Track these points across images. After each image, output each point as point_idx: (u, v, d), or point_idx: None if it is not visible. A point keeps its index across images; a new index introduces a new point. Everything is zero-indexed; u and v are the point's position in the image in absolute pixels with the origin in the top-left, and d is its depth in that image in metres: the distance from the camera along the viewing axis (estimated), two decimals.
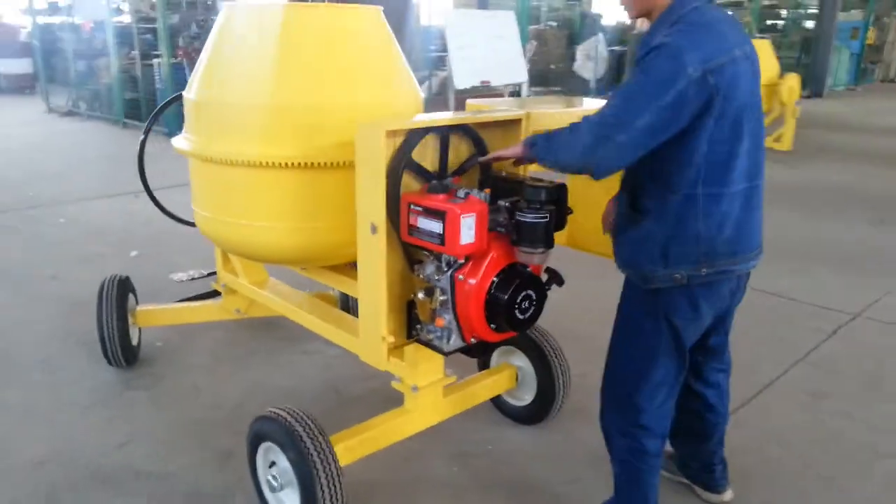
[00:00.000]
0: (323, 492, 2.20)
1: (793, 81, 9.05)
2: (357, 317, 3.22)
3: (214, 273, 3.57)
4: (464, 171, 2.43)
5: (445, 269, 2.23)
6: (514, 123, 2.50)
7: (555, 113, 2.69)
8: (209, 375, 3.48)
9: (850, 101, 16.10)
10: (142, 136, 3.39)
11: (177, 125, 9.66)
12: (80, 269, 4.84)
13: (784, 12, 19.39)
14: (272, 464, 2.41)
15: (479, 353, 2.43)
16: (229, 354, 3.70)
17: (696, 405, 2.42)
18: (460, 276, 2.20)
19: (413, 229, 2.20)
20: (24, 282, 4.64)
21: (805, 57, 17.70)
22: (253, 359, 3.66)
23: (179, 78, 9.38)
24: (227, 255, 3.42)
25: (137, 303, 3.63)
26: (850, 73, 19.33)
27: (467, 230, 2.10)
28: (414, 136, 2.22)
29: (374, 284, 2.26)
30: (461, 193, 2.16)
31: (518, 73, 9.50)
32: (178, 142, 2.75)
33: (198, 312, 3.67)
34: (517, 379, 3.04)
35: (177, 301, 3.85)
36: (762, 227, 2.13)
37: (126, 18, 11.69)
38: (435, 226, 2.12)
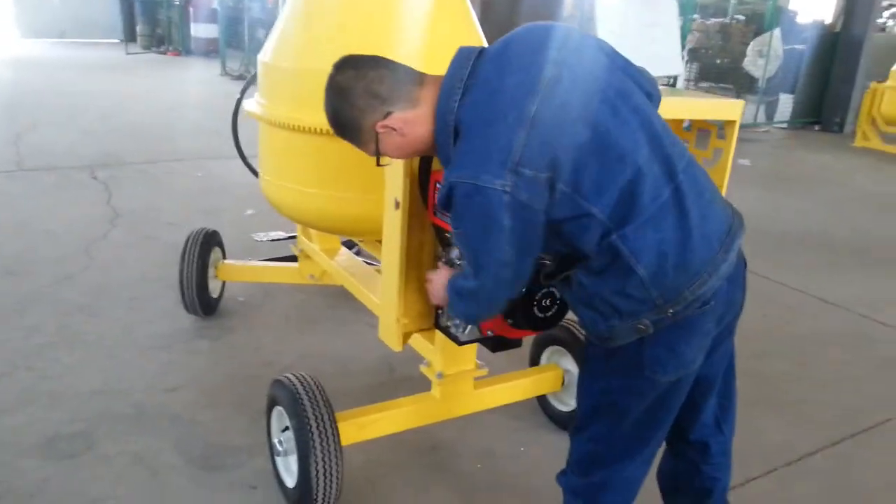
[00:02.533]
0: (317, 465, 2.16)
1: None
2: None
3: (295, 237, 3.65)
4: None
5: None
6: None
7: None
8: (274, 335, 3.57)
9: None
10: (238, 97, 3.49)
11: None
12: (197, 220, 5.10)
13: None
14: (286, 428, 2.41)
15: (499, 348, 2.28)
16: (301, 317, 3.78)
17: (690, 454, 1.95)
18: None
19: (437, 209, 2.09)
20: (142, 224, 5.01)
21: None
22: (320, 325, 3.71)
23: None
24: None
25: (225, 257, 3.78)
26: None
27: None
28: None
29: (392, 262, 2.19)
30: None
31: (673, 64, 8.98)
32: (250, 104, 2.80)
33: (276, 273, 3.77)
34: (563, 382, 2.85)
35: (261, 260, 3.98)
36: (719, 207, 1.65)
37: None
38: None
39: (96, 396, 2.92)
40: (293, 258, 4.06)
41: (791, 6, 16.43)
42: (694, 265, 1.56)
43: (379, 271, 3.42)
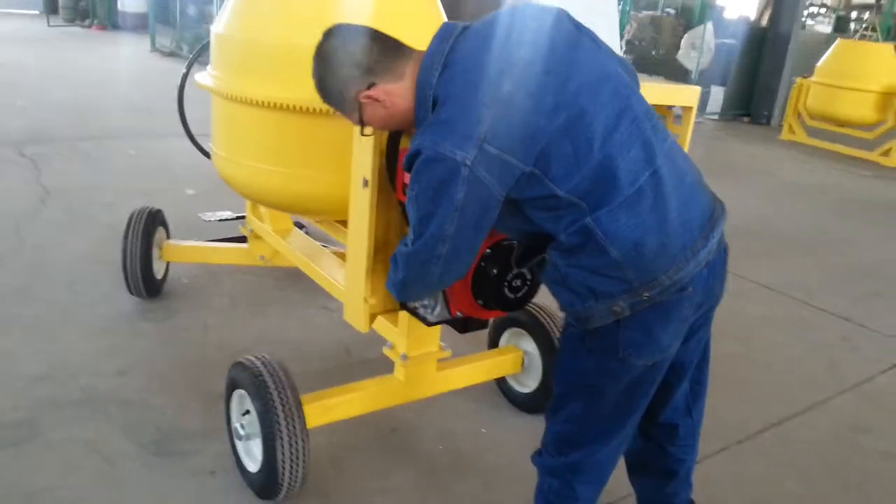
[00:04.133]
0: (283, 449, 2.12)
1: None
2: None
3: (244, 217, 3.55)
4: None
5: None
6: None
7: None
8: (222, 318, 3.47)
9: None
10: (184, 70, 3.37)
11: None
12: (136, 200, 4.91)
13: None
14: (246, 412, 2.35)
15: (467, 328, 2.27)
16: (249, 300, 3.69)
17: (658, 435, 1.98)
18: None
19: (406, 188, 2.06)
20: (80, 205, 4.77)
21: None
22: (271, 307, 3.63)
23: None
24: None
25: (169, 237, 3.64)
26: None
27: None
28: None
29: (360, 242, 2.15)
30: None
31: None
32: (202, 77, 2.70)
33: (223, 254, 3.66)
34: (523, 364, 2.87)
35: (208, 241, 3.86)
36: (700, 193, 1.67)
37: None
38: None
39: (39, 382, 2.78)
40: (241, 239, 3.96)
41: (719, 1, 16.97)
42: (671, 250, 1.56)
43: (336, 253, 3.39)
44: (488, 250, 2.04)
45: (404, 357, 2.44)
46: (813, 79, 9.92)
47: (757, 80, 12.25)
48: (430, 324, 2.19)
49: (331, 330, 3.47)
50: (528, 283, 2.11)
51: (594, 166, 1.53)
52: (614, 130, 1.54)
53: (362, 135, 1.84)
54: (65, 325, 3.23)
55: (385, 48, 1.68)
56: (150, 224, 3.41)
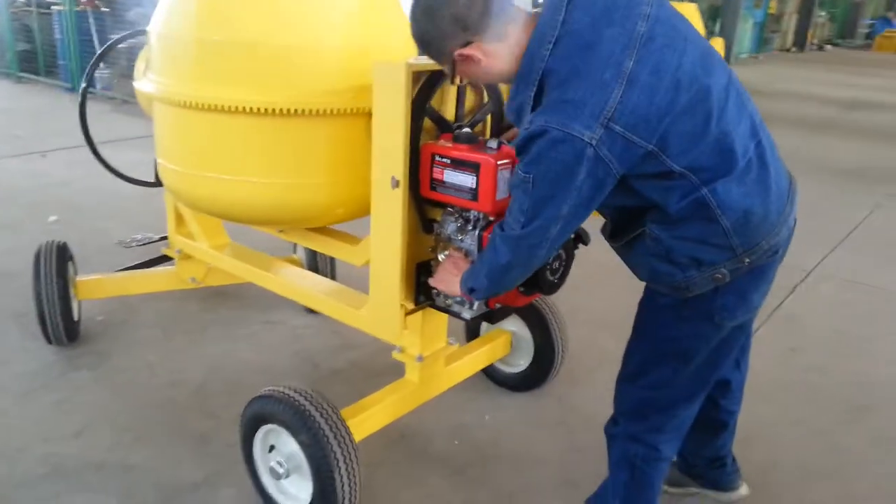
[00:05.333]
0: (341, 475, 1.97)
1: (718, 46, 9.21)
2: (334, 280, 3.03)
3: (166, 237, 3.21)
4: (479, 122, 2.21)
5: (471, 227, 2.01)
6: None
7: None
8: (162, 351, 3.13)
9: (755, 69, 16.69)
10: (83, 84, 2.96)
11: (79, 79, 8.72)
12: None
13: None
14: (271, 448, 2.15)
15: (496, 318, 2.25)
16: (181, 327, 3.36)
17: (714, 391, 2.03)
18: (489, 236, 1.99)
19: (437, 184, 1.97)
20: None
21: (712, 24, 18.19)
22: (209, 332, 3.33)
23: (83, 29, 8.55)
24: (180, 217, 3.06)
25: (76, 273, 3.21)
26: (752, 42, 20.04)
27: (503, 184, 1.89)
28: (435, 79, 1.98)
29: (390, 247, 2.03)
30: (493, 143, 1.94)
31: None
32: (143, 84, 2.39)
33: (147, 282, 3.30)
34: (511, 344, 2.87)
35: (120, 269, 3.45)
36: (781, 161, 1.73)
37: None
38: (466, 179, 1.90)
39: None
40: (154, 262, 3.60)
41: None
42: (771, 216, 1.64)
43: (286, 260, 3.18)
44: None
45: (420, 358, 2.36)
46: None
47: None
48: (468, 320, 2.14)
49: (284, 344, 3.26)
50: (564, 263, 2.11)
51: (711, 142, 1.54)
52: (725, 104, 1.57)
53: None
54: None
55: (489, 6, 1.58)
56: (61, 261, 2.98)
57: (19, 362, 2.96)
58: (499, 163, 1.86)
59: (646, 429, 1.91)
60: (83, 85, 2.96)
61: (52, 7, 9.17)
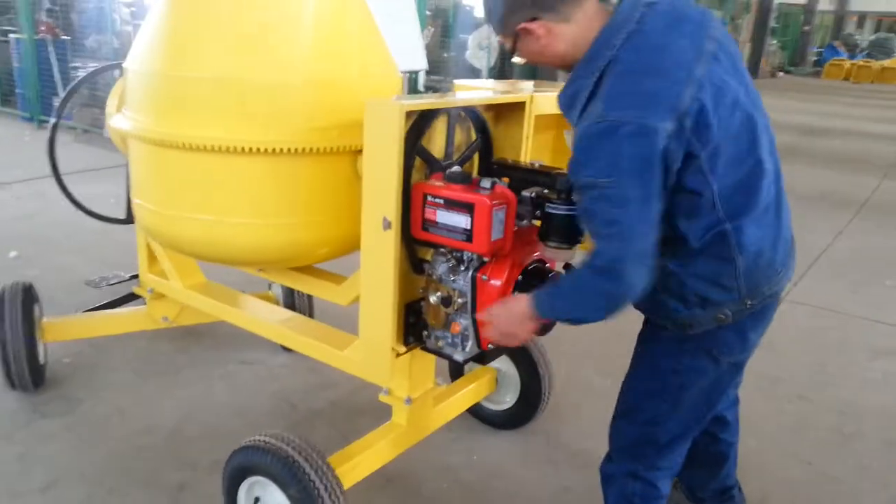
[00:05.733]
0: None
1: None
2: (311, 318, 2.95)
3: (136, 276, 3.10)
4: (468, 160, 2.18)
5: (464, 268, 1.97)
6: (516, 107, 2.27)
7: (553, 94, 2.49)
8: (134, 396, 3.00)
9: None
10: (53, 120, 2.86)
11: (41, 110, 8.50)
12: None
13: None
14: (256, 500, 2.06)
15: (490, 359, 2.20)
16: (154, 369, 3.23)
17: (711, 427, 2.08)
18: (483, 277, 1.95)
19: (430, 224, 1.92)
20: None
21: None
22: (184, 373, 3.21)
23: (42, 56, 8.34)
24: (153, 256, 2.96)
25: (42, 314, 3.07)
26: None
27: (498, 224, 1.86)
28: (427, 118, 1.95)
29: (381, 289, 1.97)
30: (486, 183, 1.90)
31: (417, 59, 9.22)
32: (119, 122, 2.31)
33: (117, 322, 3.17)
34: (497, 382, 2.82)
35: (87, 310, 3.32)
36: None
37: None
38: (460, 220, 1.86)
39: None
40: (120, 301, 3.49)
41: (465, 1, 17.98)
42: (776, 263, 1.67)
43: (257, 295, 3.09)
44: (520, 277, 1.97)
45: (409, 400, 2.29)
46: None
47: (536, 74, 13.12)
48: (461, 362, 2.08)
49: (262, 385, 3.16)
50: None
51: (746, 171, 1.58)
52: (764, 143, 1.61)
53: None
54: None
55: None
56: (27, 302, 2.85)
57: None
58: (493, 203, 1.83)
59: (643, 466, 1.90)
60: (53, 120, 2.86)
61: (10, 35, 8.94)
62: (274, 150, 2.08)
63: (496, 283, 1.94)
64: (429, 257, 2.05)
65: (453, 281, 1.98)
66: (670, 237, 1.61)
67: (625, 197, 1.47)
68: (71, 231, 4.77)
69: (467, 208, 1.84)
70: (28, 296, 2.88)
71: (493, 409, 2.89)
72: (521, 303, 1.75)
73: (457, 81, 2.52)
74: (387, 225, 1.90)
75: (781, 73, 23.96)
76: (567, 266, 1.93)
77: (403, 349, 2.06)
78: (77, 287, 3.95)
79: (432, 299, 2.01)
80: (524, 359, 2.76)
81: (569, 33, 1.62)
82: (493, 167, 2.17)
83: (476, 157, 2.26)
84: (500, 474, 2.63)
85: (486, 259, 1.94)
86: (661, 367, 1.81)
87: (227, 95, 2.10)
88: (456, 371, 2.93)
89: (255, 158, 2.11)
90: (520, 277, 1.97)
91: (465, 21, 14.35)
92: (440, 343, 2.07)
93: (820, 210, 6.67)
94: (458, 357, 2.06)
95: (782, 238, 1.68)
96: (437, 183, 1.94)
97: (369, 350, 2.08)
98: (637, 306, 1.77)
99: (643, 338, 1.88)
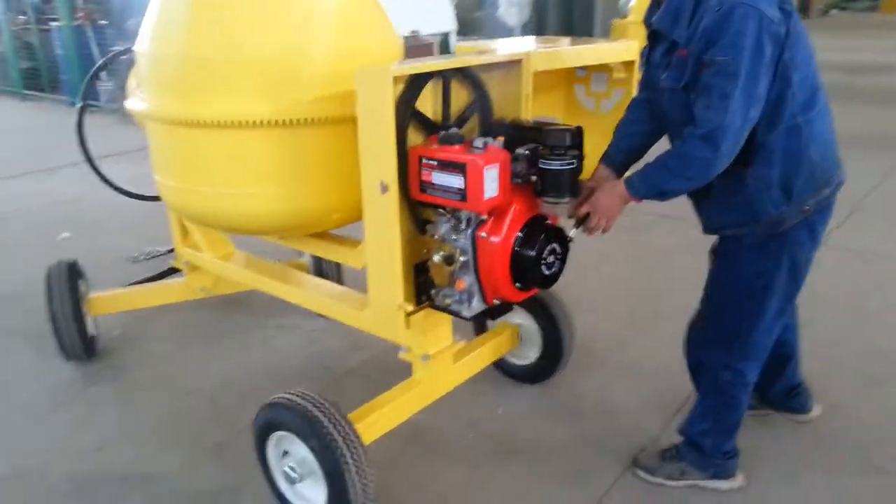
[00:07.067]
0: (353, 479, 2.01)
1: None
2: (340, 283, 3.07)
3: (172, 250, 3.26)
4: (466, 121, 2.23)
5: (464, 227, 2.04)
6: (513, 65, 2.30)
7: (552, 50, 2.51)
8: (178, 362, 3.20)
9: None
10: (79, 103, 3.01)
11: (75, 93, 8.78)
12: (8, 257, 4.39)
13: None
14: (284, 453, 2.20)
15: (497, 314, 2.27)
16: (196, 337, 3.42)
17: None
18: (483, 234, 2.02)
19: (427, 186, 2.00)
20: None
21: None
22: (224, 340, 3.39)
23: (82, 43, 8.62)
24: (185, 229, 3.11)
25: (88, 289, 3.27)
26: None
27: (491, 182, 1.92)
28: (418, 82, 2.00)
29: (386, 250, 2.06)
30: (479, 143, 1.96)
31: (447, 20, 9.16)
32: (133, 103, 2.43)
33: (158, 294, 3.36)
34: (519, 337, 2.90)
35: (130, 284, 3.52)
36: None
37: None
38: (454, 180, 1.92)
39: (10, 483, 2.43)
40: (164, 274, 3.67)
41: None
42: (836, 156, 2.02)
43: (290, 264, 3.22)
44: (520, 233, 2.03)
45: (426, 358, 2.39)
46: (630, 18, 10.55)
47: (572, 28, 12.87)
48: (468, 318, 2.16)
49: (297, 348, 3.31)
50: (560, 257, 2.13)
51: (812, 72, 1.89)
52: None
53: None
54: (7, 413, 2.83)
55: None
56: (72, 278, 3.05)
57: (38, 381, 3.03)
58: (485, 164, 1.88)
59: (735, 357, 2.18)
60: (79, 104, 3.01)
61: (51, 23, 9.25)
62: (277, 122, 2.16)
63: (496, 239, 2.01)
64: (433, 219, 2.12)
65: (455, 240, 2.05)
66: (753, 147, 1.88)
67: (737, 73, 1.75)
68: (118, 212, 4.98)
69: (460, 168, 1.90)
70: (73, 273, 3.07)
71: (517, 364, 2.96)
72: (619, 186, 2.04)
73: (460, 44, 2.54)
74: (384, 189, 1.97)
75: (835, 11, 22.83)
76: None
77: (410, 308, 2.15)
78: (124, 263, 4.17)
79: (436, 258, 2.09)
80: (544, 314, 2.81)
81: None
82: (491, 127, 2.22)
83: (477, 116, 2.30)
84: (524, 426, 2.72)
85: (483, 217, 2.00)
86: (745, 272, 2.08)
87: (227, 72, 2.18)
88: (480, 328, 3.01)
89: (260, 131, 2.19)
90: (520, 233, 2.04)
91: None
92: (447, 301, 2.15)
93: (867, 150, 6.44)
94: (466, 313, 2.14)
95: (834, 138, 2.00)
96: (431, 145, 2.00)
97: (379, 309, 2.18)
98: (724, 224, 2.06)
99: (723, 251, 2.16)
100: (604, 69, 2.84)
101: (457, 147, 1.97)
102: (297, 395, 2.10)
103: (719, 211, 2.06)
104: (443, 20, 9.08)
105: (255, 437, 2.23)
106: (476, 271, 2.06)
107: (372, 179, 2.00)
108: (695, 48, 1.83)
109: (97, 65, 2.99)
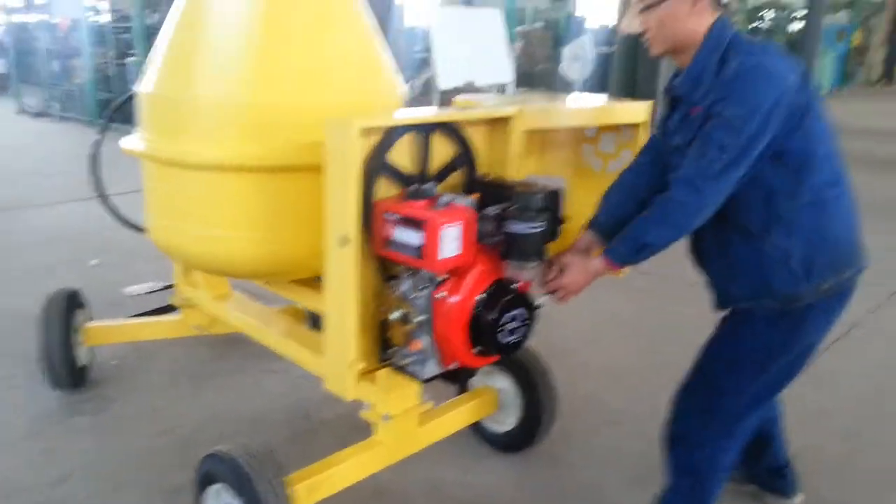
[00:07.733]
0: None
1: None
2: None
3: (172, 286, 3.27)
4: (446, 176, 2.15)
5: (424, 286, 1.95)
6: (502, 121, 2.22)
7: (549, 108, 2.42)
8: (165, 398, 3.16)
9: (833, 104, 16.02)
10: (97, 137, 3.08)
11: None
12: (36, 280, 4.50)
13: (770, 13, 19.35)
14: None
15: (457, 379, 2.16)
16: (188, 374, 3.39)
17: None
18: (440, 294, 1.92)
19: (388, 241, 1.92)
20: None
21: None
22: (214, 379, 3.35)
23: None
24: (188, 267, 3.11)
25: (88, 319, 3.29)
26: (834, 76, 19.28)
27: (450, 242, 1.83)
28: (391, 135, 1.94)
29: (342, 304, 1.97)
30: (444, 199, 1.88)
31: (503, 72, 9.23)
32: (129, 141, 2.46)
33: (153, 329, 3.36)
34: (498, 402, 2.75)
35: (132, 316, 3.54)
36: None
37: (104, 17, 11.37)
38: (413, 237, 1.84)
39: None
40: (166, 310, 3.67)
41: (578, 13, 17.75)
42: (860, 238, 1.95)
43: (284, 310, 3.18)
44: (483, 295, 1.93)
45: (387, 417, 2.28)
46: None
47: (636, 86, 12.77)
48: (422, 381, 2.05)
49: (282, 394, 3.24)
50: (524, 323, 2.01)
51: (835, 149, 1.88)
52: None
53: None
54: None
55: None
56: (67, 307, 3.07)
57: (21, 407, 3.04)
58: (444, 222, 1.80)
59: (713, 435, 2.06)
60: (97, 137, 3.08)
61: (128, 58, 9.75)
62: (254, 167, 2.15)
63: (453, 300, 1.92)
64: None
65: (414, 298, 1.96)
66: (773, 216, 1.84)
67: (742, 130, 1.73)
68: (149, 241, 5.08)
69: (418, 225, 1.82)
70: (71, 302, 3.10)
71: (493, 430, 2.81)
72: (592, 263, 1.98)
73: (458, 97, 2.45)
74: (343, 241, 1.90)
75: None
76: None
77: (362, 365, 2.05)
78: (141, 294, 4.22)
79: (394, 316, 2.00)
80: (524, 379, 2.68)
81: (687, 19, 1.86)
82: (472, 183, 2.14)
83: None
84: (492, 495, 2.56)
85: (439, 279, 1.91)
86: (748, 345, 1.98)
87: (209, 114, 2.19)
88: (461, 389, 2.88)
89: (238, 175, 2.18)
90: (481, 296, 1.93)
91: (577, 33, 14.22)
92: (404, 361, 2.05)
93: None
94: (421, 375, 2.03)
95: (858, 223, 1.94)
96: (395, 200, 1.93)
97: (333, 365, 2.09)
98: (739, 296, 1.96)
99: (732, 318, 2.05)
100: (613, 129, 2.73)
101: (420, 203, 1.89)
102: (236, 449, 2.02)
103: (734, 282, 1.97)
104: (500, 72, 9.20)
105: (196, 485, 2.15)
106: (432, 332, 1.96)
107: (334, 231, 1.93)
108: (707, 102, 1.81)
109: (118, 100, 3.06)
